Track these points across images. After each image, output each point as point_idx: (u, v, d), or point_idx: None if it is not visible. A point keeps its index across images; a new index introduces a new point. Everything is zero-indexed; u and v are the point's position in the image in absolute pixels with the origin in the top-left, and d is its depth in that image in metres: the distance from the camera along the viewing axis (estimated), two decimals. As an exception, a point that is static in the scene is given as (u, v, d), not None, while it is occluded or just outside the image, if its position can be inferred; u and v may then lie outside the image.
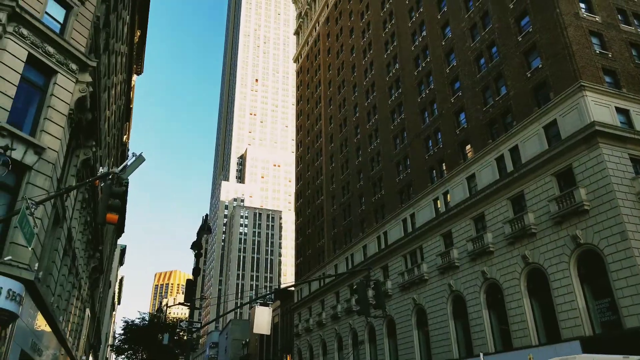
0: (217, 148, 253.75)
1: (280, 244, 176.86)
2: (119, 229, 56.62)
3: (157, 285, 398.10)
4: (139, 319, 55.67)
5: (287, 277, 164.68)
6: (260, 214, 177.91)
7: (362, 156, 57.81)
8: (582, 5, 32.71)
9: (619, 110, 29.27)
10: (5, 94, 14.09)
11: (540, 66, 32.56)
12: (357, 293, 19.79)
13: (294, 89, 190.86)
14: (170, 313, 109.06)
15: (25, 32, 15.03)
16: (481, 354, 27.63)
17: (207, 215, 24.20)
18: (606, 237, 25.65)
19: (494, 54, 37.70)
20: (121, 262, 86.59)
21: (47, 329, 18.09)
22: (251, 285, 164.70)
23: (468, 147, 38.99)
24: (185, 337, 36.31)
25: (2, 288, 12.13)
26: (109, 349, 75.98)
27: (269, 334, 31.06)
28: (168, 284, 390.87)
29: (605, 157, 26.75)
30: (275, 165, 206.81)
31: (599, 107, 28.53)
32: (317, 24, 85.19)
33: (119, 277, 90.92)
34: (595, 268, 26.61)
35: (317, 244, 68.24)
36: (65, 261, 21.27)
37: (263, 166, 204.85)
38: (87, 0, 18.63)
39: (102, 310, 59.85)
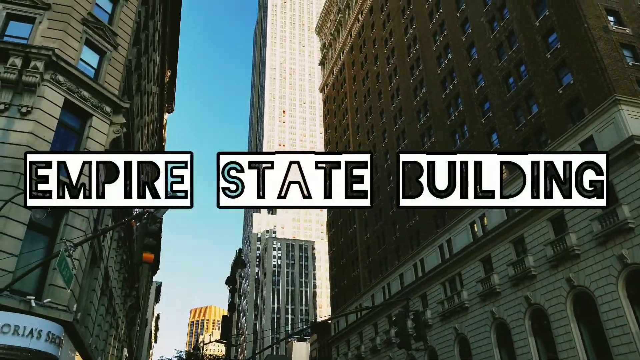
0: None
1: (314, 275, 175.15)
2: (154, 266, 57.23)
3: (193, 321, 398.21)
4: (175, 357, 55.76)
5: (323, 308, 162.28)
6: (292, 245, 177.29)
7: (394, 182, 57.22)
8: (610, 18, 32.05)
9: (658, 122, 28.16)
10: (44, 139, 14.51)
11: (571, 82, 31.80)
12: (396, 325, 19.13)
13: (321, 119, 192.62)
14: (207, 350, 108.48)
15: (61, 78, 15.56)
16: (531, 385, 26.24)
17: (240, 250, 24.11)
18: (657, 256, 24.35)
19: (522, 72, 37.12)
20: (157, 300, 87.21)
21: (87, 370, 18.06)
22: (286, 319, 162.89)
23: (503, 168, 37.99)
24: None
25: (42, 331, 12.20)
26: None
27: (307, 368, 30.36)
28: (204, 320, 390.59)
29: (648, 172, 25.64)
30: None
31: (636, 121, 27.51)
32: (341, 53, 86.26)
33: (155, 315, 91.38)
34: (648, 289, 25.19)
35: (352, 274, 67.15)
36: (102, 301, 21.43)
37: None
38: (119, 45, 19.29)
39: (140, 349, 59.98)
